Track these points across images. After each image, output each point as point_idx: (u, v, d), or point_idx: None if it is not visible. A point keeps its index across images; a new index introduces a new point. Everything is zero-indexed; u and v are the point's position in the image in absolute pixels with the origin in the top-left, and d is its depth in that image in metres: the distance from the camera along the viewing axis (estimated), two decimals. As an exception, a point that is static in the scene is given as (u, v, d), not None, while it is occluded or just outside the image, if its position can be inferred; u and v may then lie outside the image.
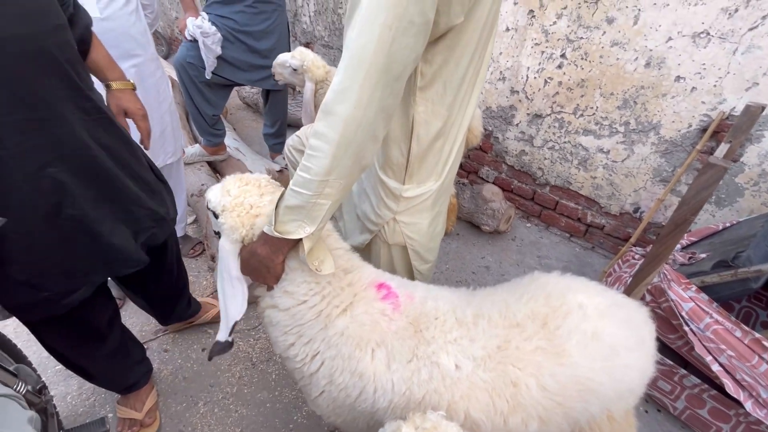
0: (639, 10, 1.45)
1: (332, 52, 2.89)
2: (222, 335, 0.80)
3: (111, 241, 0.90)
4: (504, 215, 1.98)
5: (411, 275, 1.02)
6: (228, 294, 0.78)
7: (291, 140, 1.49)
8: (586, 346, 0.73)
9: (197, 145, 2.34)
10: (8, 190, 0.72)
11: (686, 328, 1.13)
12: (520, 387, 0.71)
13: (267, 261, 0.72)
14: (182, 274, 1.36)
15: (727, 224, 1.34)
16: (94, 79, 0.96)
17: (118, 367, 1.18)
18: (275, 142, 2.62)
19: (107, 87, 1.03)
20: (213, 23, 1.97)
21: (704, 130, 1.45)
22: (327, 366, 0.76)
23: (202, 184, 2.05)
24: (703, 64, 1.37)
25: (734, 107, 1.36)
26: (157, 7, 1.72)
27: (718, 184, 0.93)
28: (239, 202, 0.76)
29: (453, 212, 2.03)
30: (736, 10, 1.26)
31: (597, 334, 0.73)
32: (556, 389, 0.71)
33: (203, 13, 1.98)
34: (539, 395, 0.71)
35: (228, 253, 0.76)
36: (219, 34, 1.97)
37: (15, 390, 0.79)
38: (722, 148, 1.26)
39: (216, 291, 1.37)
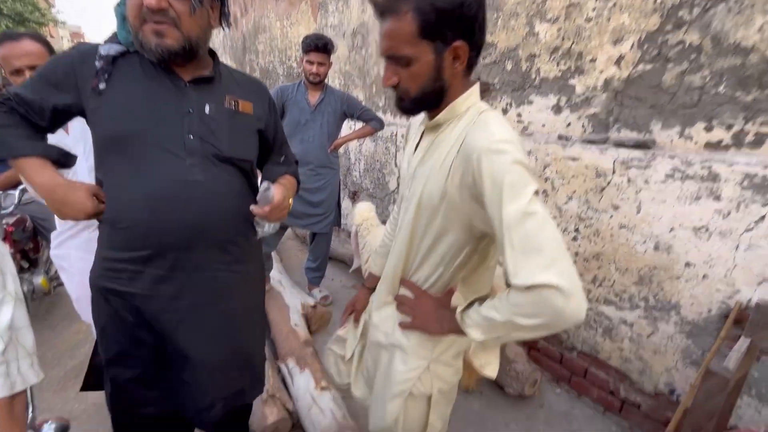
0: (640, 201, 1.63)
1: (375, 200, 3.31)
2: None
3: None
4: (529, 378, 1.91)
5: None
6: None
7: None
8: None
9: (246, 276, 2.63)
10: None
11: None
12: None
13: (440, 317, 0.89)
14: None
15: None
16: None
17: None
18: (314, 276, 2.87)
19: None
20: (279, 181, 2.44)
21: (726, 315, 1.45)
22: None
23: (242, 315, 2.24)
24: (710, 254, 1.46)
25: (750, 299, 1.38)
26: None
27: (726, 392, 0.93)
28: None
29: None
30: (729, 213, 1.40)
31: None
32: None
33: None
34: None
35: None
36: (282, 191, 2.41)
37: None
38: (742, 343, 1.25)
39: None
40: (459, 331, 0.84)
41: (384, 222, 2.57)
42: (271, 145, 1.16)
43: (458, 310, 0.85)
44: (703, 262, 1.48)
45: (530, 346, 2.20)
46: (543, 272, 0.65)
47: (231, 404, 1.10)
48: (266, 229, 1.05)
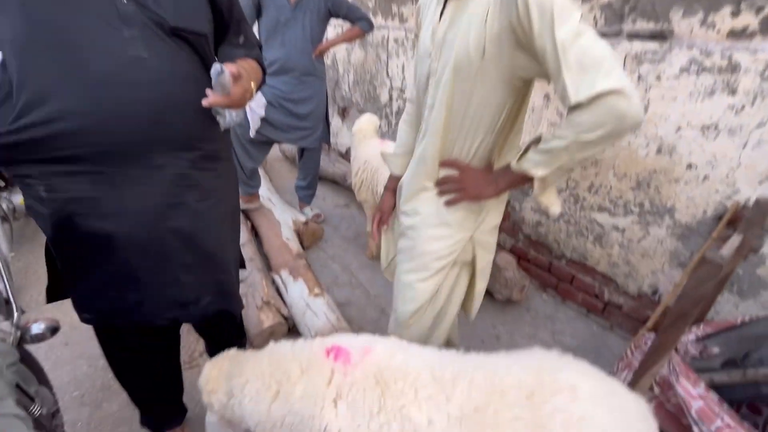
0: (648, 100, 1.52)
1: (366, 116, 3.14)
2: None
3: None
4: (517, 285, 1.97)
5: (463, 301, 1.20)
6: None
7: None
8: (570, 429, 0.70)
9: (234, 193, 2.56)
10: None
11: (696, 430, 1.05)
12: None
13: (491, 179, 0.95)
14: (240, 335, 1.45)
15: (746, 319, 1.28)
16: None
17: (166, 397, 1.30)
18: (305, 194, 2.82)
19: None
20: (260, 90, 2.25)
21: (720, 217, 1.44)
22: None
23: (232, 230, 2.21)
24: (714, 154, 1.40)
25: (749, 198, 1.36)
26: None
27: (716, 280, 0.93)
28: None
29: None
30: (743, 108, 1.30)
31: (584, 418, 0.71)
32: None
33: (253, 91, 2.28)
34: None
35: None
36: (263, 99, 2.23)
37: (31, 412, 0.88)
38: (735, 240, 1.25)
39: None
40: (516, 183, 0.91)
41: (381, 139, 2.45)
42: (226, 20, 0.98)
43: (513, 161, 0.89)
44: (705, 163, 1.43)
45: (520, 256, 2.24)
46: (605, 80, 0.68)
47: (214, 304, 1.06)
48: (228, 119, 0.92)
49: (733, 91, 1.32)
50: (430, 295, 1.10)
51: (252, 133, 2.27)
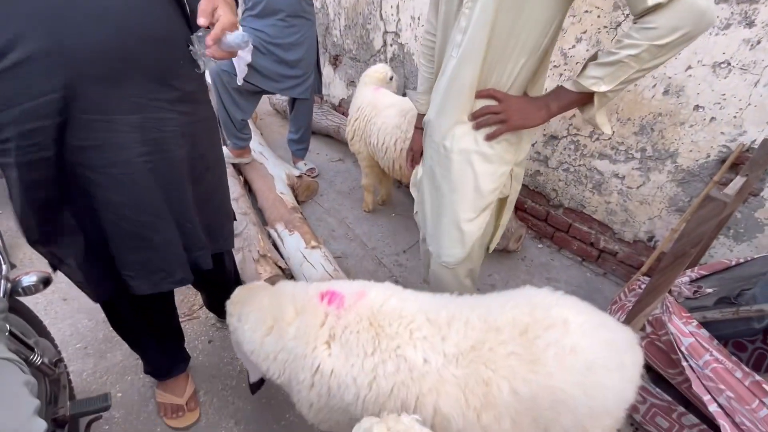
0: (659, 37, 1.43)
1: (359, 65, 2.98)
2: (253, 378, 1.06)
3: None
4: (514, 234, 1.97)
5: (490, 235, 1.22)
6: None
7: None
8: (563, 359, 0.73)
9: (224, 147, 2.47)
10: None
11: (685, 364, 1.09)
12: (491, 387, 0.73)
13: (538, 105, 0.91)
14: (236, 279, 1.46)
15: (741, 260, 1.29)
16: None
17: (168, 348, 1.33)
18: (297, 148, 2.74)
19: None
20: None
21: (723, 161, 1.41)
22: (291, 369, 0.81)
23: (225, 185, 2.16)
24: (723, 94, 1.34)
25: (755, 140, 1.32)
26: None
27: (719, 218, 0.91)
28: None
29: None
30: (759, 42, 1.23)
31: (575, 349, 0.74)
32: (528, 395, 0.72)
33: (238, 25, 2.12)
34: (511, 398, 0.72)
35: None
36: (250, 44, 2.09)
37: (32, 361, 0.88)
38: (738, 181, 1.23)
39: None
40: (570, 105, 0.88)
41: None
42: None
43: (567, 82, 0.86)
44: (713, 104, 1.37)
45: (517, 207, 2.23)
46: None
47: (205, 255, 1.04)
48: (207, 61, 0.87)
49: (750, 24, 1.23)
50: (478, 236, 1.07)
51: (239, 81, 2.15)
